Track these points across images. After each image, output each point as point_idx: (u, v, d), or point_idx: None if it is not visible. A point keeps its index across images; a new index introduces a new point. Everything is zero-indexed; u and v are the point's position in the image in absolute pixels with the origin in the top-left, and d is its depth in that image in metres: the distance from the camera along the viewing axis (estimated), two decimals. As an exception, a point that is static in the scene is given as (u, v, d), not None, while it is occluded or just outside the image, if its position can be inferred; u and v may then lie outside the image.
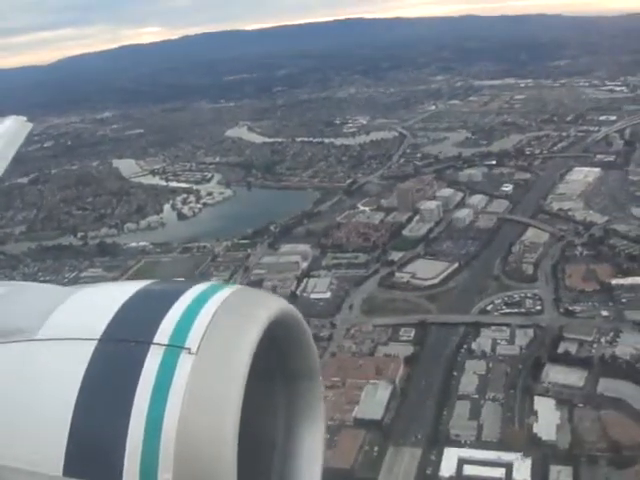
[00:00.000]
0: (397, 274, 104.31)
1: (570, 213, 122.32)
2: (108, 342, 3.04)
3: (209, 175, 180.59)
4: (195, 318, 3.08)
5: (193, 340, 2.99)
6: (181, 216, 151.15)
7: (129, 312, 3.20)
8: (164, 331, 3.04)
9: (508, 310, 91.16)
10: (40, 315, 3.30)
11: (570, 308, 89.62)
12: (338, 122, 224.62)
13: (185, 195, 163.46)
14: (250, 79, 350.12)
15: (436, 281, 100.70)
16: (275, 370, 3.80)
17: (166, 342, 3.00)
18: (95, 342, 3.04)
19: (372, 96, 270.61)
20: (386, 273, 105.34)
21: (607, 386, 72.77)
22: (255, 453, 3.58)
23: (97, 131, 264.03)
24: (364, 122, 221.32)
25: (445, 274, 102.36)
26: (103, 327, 3.10)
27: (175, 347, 2.98)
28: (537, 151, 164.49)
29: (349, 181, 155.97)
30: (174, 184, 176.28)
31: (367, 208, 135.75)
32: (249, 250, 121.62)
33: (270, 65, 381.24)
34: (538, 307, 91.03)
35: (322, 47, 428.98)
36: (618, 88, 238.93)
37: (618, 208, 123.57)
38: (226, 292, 3.32)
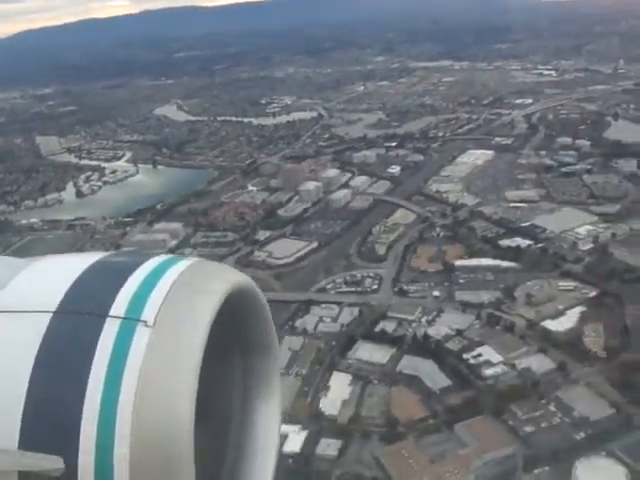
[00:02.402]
0: (256, 253, 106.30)
1: (445, 195, 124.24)
2: (63, 315, 2.95)
3: (121, 153, 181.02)
4: (152, 291, 3.03)
5: (149, 313, 2.93)
6: (80, 194, 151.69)
7: (85, 284, 3.11)
8: (120, 304, 2.96)
9: (346, 289, 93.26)
10: None
11: (405, 288, 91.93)
12: (264, 102, 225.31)
13: (90, 173, 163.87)
14: (198, 56, 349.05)
15: (290, 260, 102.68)
16: (232, 343, 3.76)
17: (122, 315, 2.93)
18: (50, 315, 2.95)
19: (308, 76, 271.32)
20: (246, 252, 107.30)
21: (408, 364, 75.20)
22: (211, 428, 3.58)
23: (33, 107, 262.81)
24: (289, 102, 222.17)
25: (300, 253, 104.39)
26: (59, 299, 3.00)
27: (131, 320, 2.91)
28: (441, 134, 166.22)
29: (248, 161, 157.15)
30: (85, 162, 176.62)
31: (255, 188, 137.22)
32: (128, 228, 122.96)
33: (222, 42, 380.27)
34: (375, 286, 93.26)
35: (274, 25, 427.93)
36: (547, 72, 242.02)
37: (494, 191, 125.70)
38: (184, 264, 3.26)
